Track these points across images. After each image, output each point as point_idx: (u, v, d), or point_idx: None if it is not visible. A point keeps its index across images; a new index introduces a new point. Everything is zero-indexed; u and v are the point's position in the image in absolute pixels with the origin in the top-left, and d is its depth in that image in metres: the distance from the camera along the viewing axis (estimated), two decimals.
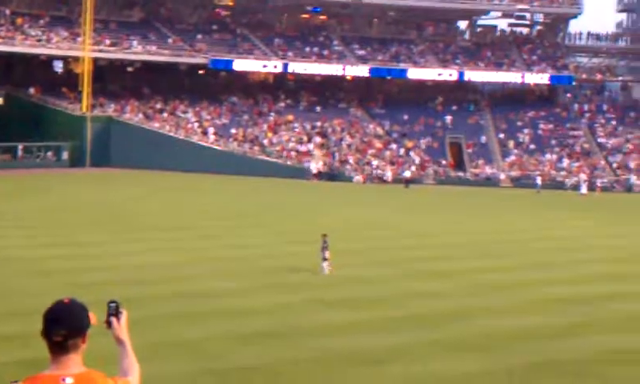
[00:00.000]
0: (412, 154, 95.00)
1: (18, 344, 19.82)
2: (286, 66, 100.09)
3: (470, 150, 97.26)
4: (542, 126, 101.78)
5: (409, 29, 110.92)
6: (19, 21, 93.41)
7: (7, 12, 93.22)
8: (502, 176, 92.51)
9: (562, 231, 52.48)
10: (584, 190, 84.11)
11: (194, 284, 29.50)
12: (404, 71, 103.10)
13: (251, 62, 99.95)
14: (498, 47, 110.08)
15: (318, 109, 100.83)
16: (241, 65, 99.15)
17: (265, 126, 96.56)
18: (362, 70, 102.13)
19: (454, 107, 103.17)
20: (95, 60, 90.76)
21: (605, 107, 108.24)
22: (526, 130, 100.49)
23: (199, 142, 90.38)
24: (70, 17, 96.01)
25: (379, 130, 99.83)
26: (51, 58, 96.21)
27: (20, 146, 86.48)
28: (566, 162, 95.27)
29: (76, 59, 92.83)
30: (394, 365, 20.28)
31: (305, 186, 77.41)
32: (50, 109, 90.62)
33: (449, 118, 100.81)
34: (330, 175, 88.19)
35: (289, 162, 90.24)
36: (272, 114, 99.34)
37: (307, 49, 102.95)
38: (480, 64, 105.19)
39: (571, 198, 78.34)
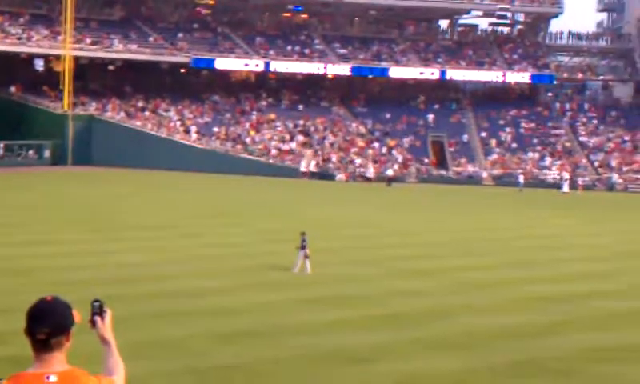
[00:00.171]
0: (394, 152, 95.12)
1: (0, 342, 19.73)
2: (267, 64, 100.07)
3: (452, 149, 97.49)
4: (523, 124, 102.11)
5: (390, 28, 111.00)
6: None
7: None
8: (484, 174, 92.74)
9: (544, 229, 52.65)
10: (566, 188, 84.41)
11: (175, 283, 29.42)
12: (386, 70, 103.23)
13: (233, 60, 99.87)
14: (479, 46, 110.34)
15: (300, 107, 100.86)
16: (222, 63, 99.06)
17: (247, 125, 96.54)
18: (344, 69, 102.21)
19: (436, 106, 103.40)
20: (76, 58, 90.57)
21: (586, 106, 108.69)
22: (507, 129, 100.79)
23: (181, 141, 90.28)
24: (50, 15, 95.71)
25: (362, 129, 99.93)
26: (32, 57, 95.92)
27: (1, 145, 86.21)
28: (547, 161, 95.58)
29: (57, 57, 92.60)
30: (376, 363, 20.27)
31: (287, 185, 77.38)
32: (32, 107, 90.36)
33: (431, 117, 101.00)
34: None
35: (271, 161, 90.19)
36: (254, 112, 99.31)
37: (289, 47, 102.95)
38: (461, 63, 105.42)
39: (553, 196, 78.55)
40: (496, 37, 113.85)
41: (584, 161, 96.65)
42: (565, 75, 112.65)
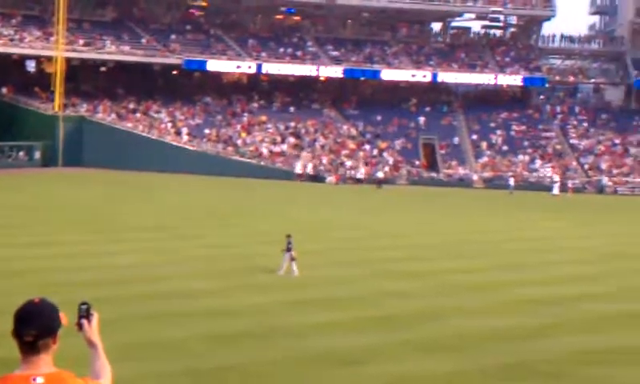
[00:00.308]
0: (385, 154, 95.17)
1: None
2: (259, 66, 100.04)
3: (443, 151, 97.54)
4: (514, 127, 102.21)
5: (382, 30, 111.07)
6: None
7: None
8: (475, 177, 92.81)
9: (534, 232, 52.76)
10: (556, 191, 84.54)
11: (169, 284, 29.45)
12: (378, 72, 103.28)
13: (225, 62, 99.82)
14: (471, 49, 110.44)
15: (292, 109, 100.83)
16: (214, 65, 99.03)
17: (238, 127, 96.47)
18: (336, 71, 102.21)
19: (428, 108, 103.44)
20: (68, 60, 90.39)
21: (577, 109, 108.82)
22: (498, 131, 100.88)
23: (172, 142, 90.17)
24: (42, 16, 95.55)
25: (353, 131, 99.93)
26: (24, 58, 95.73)
27: None
28: (538, 163, 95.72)
29: (49, 59, 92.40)
30: (368, 365, 20.33)
31: (278, 187, 77.35)
32: (23, 108, 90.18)
33: (422, 119, 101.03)
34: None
35: (262, 163, 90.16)
36: (245, 114, 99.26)
37: (281, 49, 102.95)
38: (453, 65, 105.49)
39: (543, 198, 78.65)
40: (488, 40, 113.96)
41: (574, 163, 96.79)
42: (557, 78, 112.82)
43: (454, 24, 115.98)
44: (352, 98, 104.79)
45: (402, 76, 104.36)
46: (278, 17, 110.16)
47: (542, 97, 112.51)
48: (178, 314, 24.78)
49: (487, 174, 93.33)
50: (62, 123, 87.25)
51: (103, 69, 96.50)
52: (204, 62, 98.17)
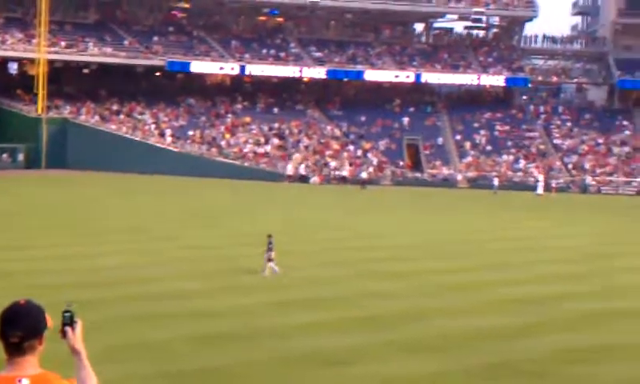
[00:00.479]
0: (369, 155, 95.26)
1: None
2: (243, 68, 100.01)
3: (427, 152, 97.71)
4: (498, 127, 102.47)
5: (366, 31, 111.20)
6: None
7: None
8: (459, 177, 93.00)
9: (518, 232, 52.88)
10: (540, 190, 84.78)
11: (152, 286, 29.39)
12: (361, 73, 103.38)
13: (208, 63, 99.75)
14: (454, 49, 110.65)
15: (276, 110, 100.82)
16: (198, 67, 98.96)
17: (222, 128, 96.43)
18: (319, 72, 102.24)
19: (411, 109, 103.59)
20: (50, 62, 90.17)
21: (560, 109, 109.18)
22: (482, 132, 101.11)
23: (156, 144, 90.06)
24: (24, 18, 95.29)
25: (337, 132, 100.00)
26: (6, 60, 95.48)
27: None
28: (522, 163, 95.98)
29: (31, 61, 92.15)
30: (352, 366, 20.34)
31: (262, 188, 77.30)
32: (5, 110, 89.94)
33: (406, 120, 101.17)
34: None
35: (246, 164, 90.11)
36: (229, 115, 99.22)
37: (264, 51, 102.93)
38: (437, 66, 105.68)
39: (527, 198, 78.84)
40: (471, 40, 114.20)
41: (558, 163, 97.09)
42: (539, 78, 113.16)
43: (436, 25, 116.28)
44: (335, 99, 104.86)
45: (385, 77, 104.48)
46: (261, 18, 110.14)
47: (524, 97, 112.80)
48: (162, 315, 24.74)
49: (471, 174, 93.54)
50: (45, 125, 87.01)
51: (86, 71, 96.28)
52: (187, 64, 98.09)
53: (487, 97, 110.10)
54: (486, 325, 25.23)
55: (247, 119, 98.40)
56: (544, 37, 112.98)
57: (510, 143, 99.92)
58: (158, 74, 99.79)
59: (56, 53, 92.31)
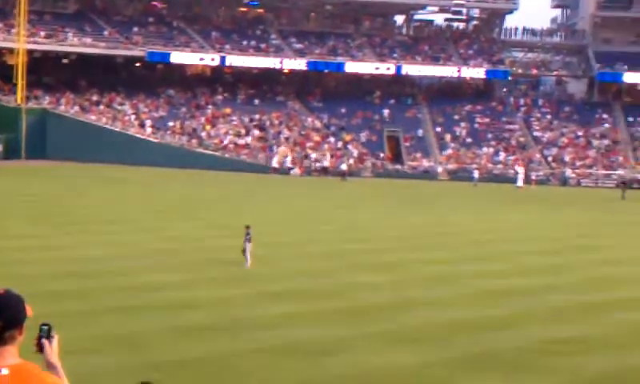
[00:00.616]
0: (350, 147, 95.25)
1: None
2: (223, 59, 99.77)
3: (407, 144, 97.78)
4: (478, 119, 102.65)
5: (346, 23, 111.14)
6: None
7: None
8: (440, 169, 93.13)
9: (499, 224, 53.01)
10: (520, 182, 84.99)
11: (133, 277, 29.28)
12: (341, 65, 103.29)
13: (188, 54, 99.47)
14: (434, 42, 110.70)
15: (256, 102, 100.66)
16: (178, 58, 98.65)
17: (202, 119, 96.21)
18: (300, 64, 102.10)
19: (392, 101, 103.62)
20: (30, 52, 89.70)
21: (540, 101, 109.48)
22: (462, 124, 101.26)
23: (136, 135, 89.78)
24: (3, 8, 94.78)
25: (317, 123, 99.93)
26: None
27: None
28: (502, 156, 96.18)
29: (10, 51, 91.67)
30: (334, 357, 20.29)
31: (242, 179, 77.17)
32: None
33: (386, 112, 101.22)
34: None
35: (227, 155, 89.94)
36: (210, 106, 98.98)
37: (245, 42, 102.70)
38: (417, 58, 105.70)
39: (507, 191, 79.02)
40: (451, 32, 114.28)
41: (538, 156, 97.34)
42: (519, 71, 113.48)
43: (417, 17, 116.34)
44: (316, 91, 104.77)
45: (365, 68, 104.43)
46: (242, 9, 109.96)
47: (504, 89, 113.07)
48: (142, 306, 24.63)
49: (451, 166, 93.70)
50: (24, 116, 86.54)
51: (65, 61, 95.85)
52: (167, 55, 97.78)
53: (467, 89, 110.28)
54: (468, 316, 25.24)
55: (227, 110, 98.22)
56: (524, 29, 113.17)
57: (490, 135, 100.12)
58: (137, 64, 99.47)
59: (35, 43, 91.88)
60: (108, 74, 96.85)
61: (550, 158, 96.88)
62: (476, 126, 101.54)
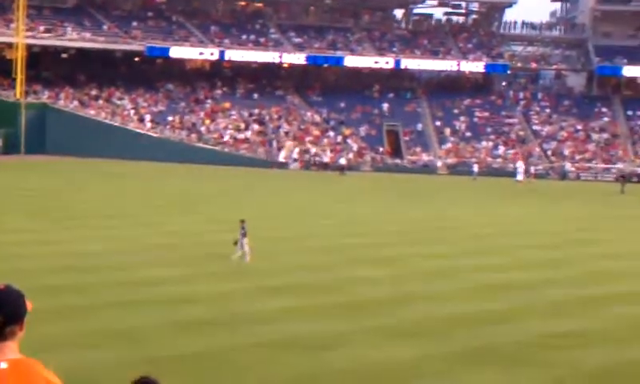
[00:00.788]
0: (349, 141, 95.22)
1: None
2: (222, 53, 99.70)
3: (406, 138, 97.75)
4: (477, 113, 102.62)
5: (345, 17, 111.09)
6: None
7: None
8: (439, 163, 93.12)
9: (499, 218, 53.01)
10: (520, 176, 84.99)
11: (131, 272, 29.27)
12: (341, 59, 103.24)
13: (187, 49, 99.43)
14: (433, 35, 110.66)
15: (255, 96, 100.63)
16: (177, 52, 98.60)
17: (202, 114, 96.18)
18: (299, 58, 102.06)
19: (391, 95, 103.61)
20: (29, 46, 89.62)
21: (539, 95, 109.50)
22: (462, 118, 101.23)
23: (135, 129, 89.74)
24: (2, 3, 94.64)
25: (317, 118, 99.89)
26: None
27: None
28: (501, 150, 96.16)
29: (9, 45, 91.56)
30: (333, 351, 20.30)
31: (242, 174, 77.15)
32: None
33: (386, 106, 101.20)
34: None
35: (226, 150, 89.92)
36: (209, 101, 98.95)
37: (244, 36, 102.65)
38: (416, 52, 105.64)
39: (507, 185, 79.01)
40: (451, 26, 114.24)
41: (537, 149, 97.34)
42: (519, 65, 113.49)
43: (416, 11, 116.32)
44: (315, 85, 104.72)
45: (365, 63, 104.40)
46: (241, 3, 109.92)
47: (504, 83, 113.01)
48: (140, 301, 24.62)
49: (451, 161, 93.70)
50: (23, 110, 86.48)
51: (64, 56, 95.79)
52: (166, 49, 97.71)
53: (467, 83, 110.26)
54: (468, 310, 25.25)
55: (227, 105, 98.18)
56: (523, 23, 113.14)
57: (489, 129, 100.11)
58: (137, 59, 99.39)
59: (34, 37, 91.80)
60: (107, 69, 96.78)
61: (549, 152, 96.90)
62: (475, 119, 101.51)
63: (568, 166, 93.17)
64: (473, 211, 55.88)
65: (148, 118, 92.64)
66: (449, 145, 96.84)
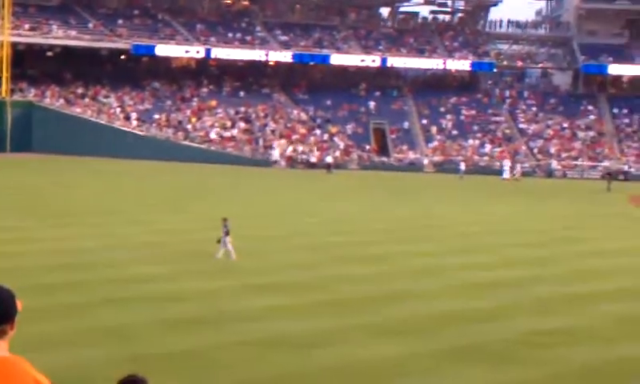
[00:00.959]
0: (336, 139, 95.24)
1: None
2: (208, 51, 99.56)
3: (393, 136, 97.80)
4: (464, 111, 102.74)
5: (331, 15, 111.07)
6: None
7: None
8: (426, 161, 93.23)
9: (485, 216, 53.10)
10: (506, 175, 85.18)
11: (121, 269, 29.25)
12: (327, 57, 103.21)
13: (173, 47, 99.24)
14: (420, 34, 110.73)
15: (242, 94, 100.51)
16: (163, 50, 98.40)
17: (188, 112, 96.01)
18: (285, 56, 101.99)
19: (377, 93, 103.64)
20: (14, 44, 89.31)
21: (525, 93, 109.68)
22: (448, 116, 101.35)
23: (122, 128, 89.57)
24: None
25: (303, 116, 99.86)
26: None
27: None
28: (488, 148, 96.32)
29: None
30: (319, 349, 20.32)
31: (228, 172, 77.08)
32: None
33: (372, 104, 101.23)
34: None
35: (212, 148, 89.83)
36: (195, 99, 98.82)
37: (230, 34, 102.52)
38: (402, 50, 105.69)
39: (493, 183, 79.16)
40: (437, 25, 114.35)
41: (523, 147, 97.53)
42: (505, 63, 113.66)
43: (402, 9, 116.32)
44: (302, 83, 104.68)
45: (351, 61, 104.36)
46: (227, 1, 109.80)
47: (490, 82, 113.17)
48: (130, 298, 24.62)
49: (437, 159, 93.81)
50: (9, 108, 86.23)
51: (50, 54, 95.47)
52: (152, 47, 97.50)
53: (453, 81, 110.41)
54: (454, 308, 25.31)
55: (213, 103, 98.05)
56: (509, 22, 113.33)
57: (475, 128, 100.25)
58: (123, 57, 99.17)
59: (19, 35, 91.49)
60: (93, 67, 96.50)
61: (535, 150, 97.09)
62: (462, 118, 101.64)
63: (554, 164, 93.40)
64: (459, 209, 55.97)
65: (134, 116, 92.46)
66: (435, 143, 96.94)
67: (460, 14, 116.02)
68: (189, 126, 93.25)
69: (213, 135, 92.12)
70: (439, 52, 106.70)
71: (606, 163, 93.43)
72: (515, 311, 25.43)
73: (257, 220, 44.21)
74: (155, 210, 48.30)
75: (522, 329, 23.07)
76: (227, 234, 31.94)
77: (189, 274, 29.02)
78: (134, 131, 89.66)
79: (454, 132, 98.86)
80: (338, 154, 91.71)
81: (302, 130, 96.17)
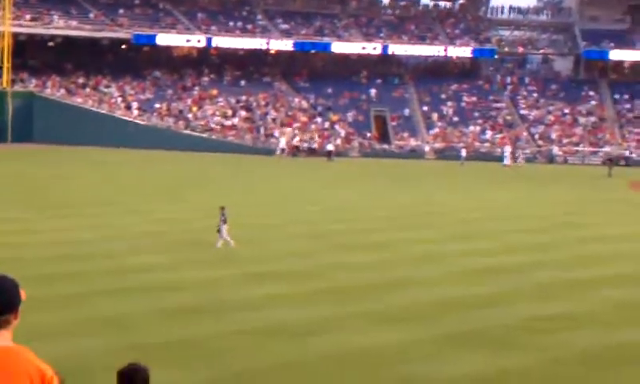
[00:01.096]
0: (337, 127, 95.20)
1: None
2: (209, 40, 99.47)
3: (394, 123, 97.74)
4: (465, 98, 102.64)
5: (332, 3, 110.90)
6: None
7: None
8: (427, 148, 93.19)
9: (486, 202, 53.10)
10: (508, 161, 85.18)
11: (121, 259, 29.29)
12: (328, 45, 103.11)
13: (174, 36, 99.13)
14: (421, 21, 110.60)
15: (243, 83, 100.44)
16: (164, 39, 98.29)
17: (189, 101, 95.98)
18: (286, 44, 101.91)
19: (379, 80, 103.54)
20: (15, 35, 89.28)
21: (527, 80, 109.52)
22: (449, 103, 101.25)
23: (123, 117, 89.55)
24: None
25: (304, 104, 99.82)
26: None
27: None
28: (489, 134, 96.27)
29: None
30: (318, 337, 20.37)
31: (229, 160, 77.07)
32: None
33: (373, 92, 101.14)
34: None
35: (213, 137, 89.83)
36: (196, 88, 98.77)
37: (231, 23, 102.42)
38: (403, 38, 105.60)
39: (495, 169, 79.15)
40: (438, 12, 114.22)
41: (525, 134, 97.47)
42: (506, 49, 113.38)
43: None
44: (303, 71, 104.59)
45: (352, 48, 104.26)
46: None
47: (491, 68, 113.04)
48: (129, 288, 24.65)
49: (439, 145, 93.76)
50: (10, 99, 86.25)
51: (51, 44, 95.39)
52: (153, 37, 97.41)
53: (454, 68, 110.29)
54: (456, 294, 25.36)
55: (214, 92, 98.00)
56: (510, 8, 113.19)
57: (476, 114, 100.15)
58: (123, 46, 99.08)
59: (20, 26, 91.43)
60: (94, 57, 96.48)
61: (536, 136, 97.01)
62: (463, 104, 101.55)
63: (555, 149, 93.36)
64: (461, 196, 55.98)
65: (135, 105, 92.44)
66: (436, 130, 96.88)
67: (461, 1, 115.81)
68: (190, 115, 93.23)
69: (213, 124, 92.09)
70: (440, 39, 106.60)
71: (607, 149, 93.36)
72: (516, 297, 25.49)
73: (258, 208, 44.27)
74: (155, 199, 48.33)
75: (522, 314, 23.13)
76: (225, 222, 31.99)
77: (188, 264, 29.07)
78: (135, 121, 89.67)
79: (455, 119, 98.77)
80: (339, 141, 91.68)
81: (303, 118, 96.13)
